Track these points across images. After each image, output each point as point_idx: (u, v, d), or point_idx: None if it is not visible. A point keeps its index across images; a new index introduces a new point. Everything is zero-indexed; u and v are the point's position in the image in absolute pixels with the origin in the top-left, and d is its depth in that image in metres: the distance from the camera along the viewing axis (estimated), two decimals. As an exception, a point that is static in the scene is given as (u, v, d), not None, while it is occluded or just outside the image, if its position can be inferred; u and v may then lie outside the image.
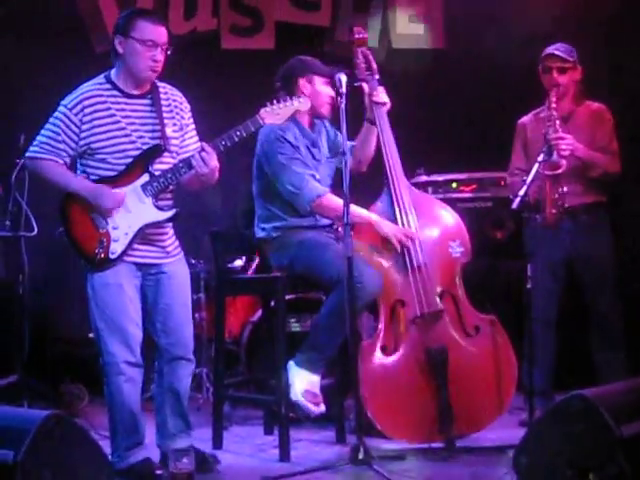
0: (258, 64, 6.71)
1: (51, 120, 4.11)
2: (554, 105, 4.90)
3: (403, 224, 4.64)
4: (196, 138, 4.28)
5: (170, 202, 4.19)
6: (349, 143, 4.72)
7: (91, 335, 4.28)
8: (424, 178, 5.92)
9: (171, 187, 4.15)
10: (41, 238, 5.35)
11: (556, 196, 4.79)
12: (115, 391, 4.11)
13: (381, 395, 4.52)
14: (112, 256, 4.07)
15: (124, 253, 4.08)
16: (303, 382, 4.46)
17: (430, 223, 4.73)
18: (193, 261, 5.72)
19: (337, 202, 4.45)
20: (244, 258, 5.94)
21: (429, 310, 4.58)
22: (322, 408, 4.48)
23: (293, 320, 5.51)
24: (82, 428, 3.41)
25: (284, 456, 4.49)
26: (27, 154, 4.16)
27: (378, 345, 4.56)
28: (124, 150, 4.09)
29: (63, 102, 4.11)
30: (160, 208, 4.12)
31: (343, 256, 4.17)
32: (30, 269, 5.53)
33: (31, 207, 5.43)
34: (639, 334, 5.29)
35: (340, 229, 4.54)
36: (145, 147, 4.11)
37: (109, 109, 4.09)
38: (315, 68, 4.76)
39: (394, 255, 4.61)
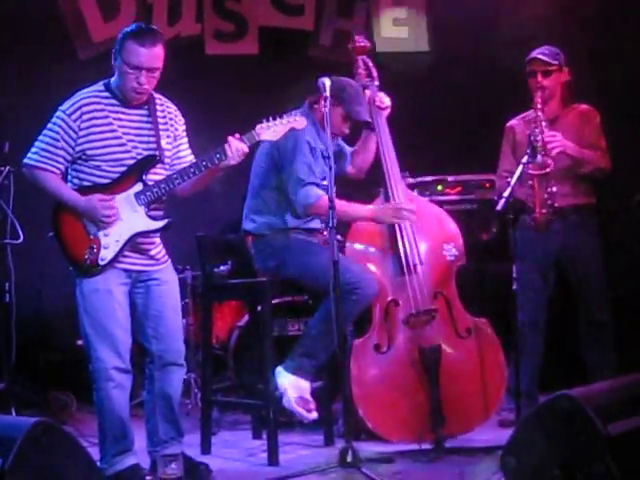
0: (242, 69, 6.74)
1: (49, 126, 4.12)
2: (539, 107, 4.92)
3: (402, 235, 4.67)
4: (189, 150, 4.32)
5: (162, 212, 4.21)
6: (349, 149, 4.75)
7: (79, 342, 4.30)
8: (410, 180, 5.93)
9: (164, 197, 4.17)
10: (27, 245, 5.35)
11: (545, 196, 4.81)
12: (104, 397, 4.11)
13: (373, 394, 4.55)
14: (101, 262, 4.07)
15: (114, 260, 4.09)
16: (295, 389, 4.47)
17: (426, 226, 4.77)
18: (179, 267, 5.71)
19: (338, 203, 4.44)
20: (230, 263, 5.94)
21: (424, 308, 4.61)
22: (315, 414, 4.50)
23: (281, 324, 5.52)
24: (70, 435, 3.40)
25: (273, 460, 4.49)
26: (26, 161, 4.14)
27: (371, 343, 4.58)
28: (119, 159, 4.11)
29: (61, 108, 4.12)
30: (152, 217, 4.14)
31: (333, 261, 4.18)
32: (17, 276, 5.53)
33: (17, 214, 5.42)
34: (628, 333, 5.31)
35: (326, 232, 4.55)
36: (139, 157, 4.13)
37: (107, 117, 4.11)
38: (350, 108, 4.70)
39: (391, 255, 4.65)
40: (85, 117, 4.08)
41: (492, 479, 3.90)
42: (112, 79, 4.16)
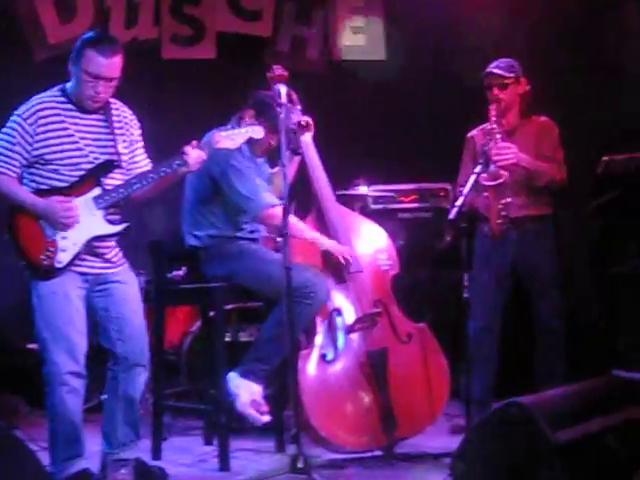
0: (199, 74, 6.73)
1: (5, 130, 4.09)
2: (494, 119, 4.96)
3: (339, 243, 4.74)
4: (145, 155, 4.32)
5: (120, 216, 4.19)
6: (269, 170, 4.77)
7: (30, 346, 4.25)
8: (363, 189, 5.96)
9: (122, 202, 4.15)
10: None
11: (500, 206, 4.87)
12: (57, 401, 4.07)
13: (324, 402, 4.54)
14: (58, 265, 4.04)
15: (71, 263, 4.06)
16: (248, 392, 4.48)
17: (360, 239, 4.88)
18: (133, 271, 5.68)
19: (296, 221, 4.50)
20: (184, 268, 5.91)
21: (369, 311, 4.66)
22: (268, 417, 4.52)
23: (234, 330, 5.52)
24: (20, 440, 3.38)
25: (224, 466, 4.49)
26: None
27: (317, 353, 4.59)
28: (76, 163, 4.09)
29: (17, 112, 4.10)
30: (110, 222, 4.13)
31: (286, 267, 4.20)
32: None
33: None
34: (579, 342, 5.37)
35: (279, 239, 4.56)
36: (97, 161, 4.12)
37: (63, 122, 4.09)
38: (272, 119, 4.60)
39: (330, 267, 4.70)
40: (41, 122, 4.06)
41: (442, 485, 3.93)
42: (68, 84, 4.14)
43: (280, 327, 4.35)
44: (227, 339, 5.26)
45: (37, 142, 4.06)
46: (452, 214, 4.45)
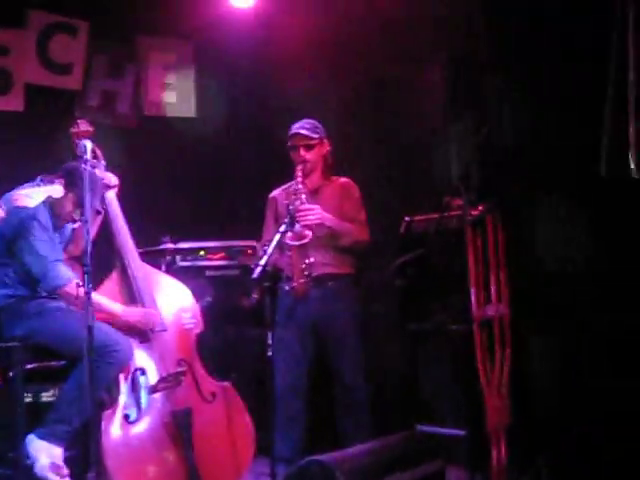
0: (6, 126, 6.57)
1: None
2: (300, 179, 5.05)
3: (144, 304, 4.76)
4: None
5: None
6: (71, 226, 4.80)
7: None
8: (170, 246, 5.93)
9: None
10: None
11: (303, 266, 4.93)
12: None
13: (128, 464, 4.48)
14: None
15: None
16: (48, 455, 4.41)
17: (164, 297, 4.89)
18: None
19: (80, 291, 4.40)
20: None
21: (173, 371, 4.67)
22: (68, 480, 4.41)
23: (35, 390, 5.36)
24: None
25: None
26: None
27: (120, 414, 4.53)
28: None
29: None
30: None
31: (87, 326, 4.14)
32: None
33: None
34: (383, 397, 5.48)
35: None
36: None
37: None
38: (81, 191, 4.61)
39: (133, 326, 4.70)
40: None
41: None
42: None
43: (81, 387, 4.29)
44: (28, 399, 5.11)
45: None
46: (255, 273, 4.48)
